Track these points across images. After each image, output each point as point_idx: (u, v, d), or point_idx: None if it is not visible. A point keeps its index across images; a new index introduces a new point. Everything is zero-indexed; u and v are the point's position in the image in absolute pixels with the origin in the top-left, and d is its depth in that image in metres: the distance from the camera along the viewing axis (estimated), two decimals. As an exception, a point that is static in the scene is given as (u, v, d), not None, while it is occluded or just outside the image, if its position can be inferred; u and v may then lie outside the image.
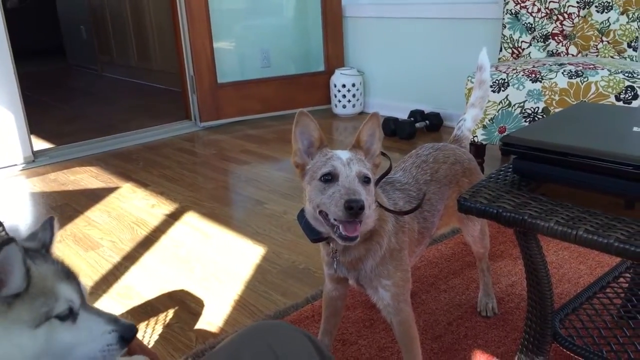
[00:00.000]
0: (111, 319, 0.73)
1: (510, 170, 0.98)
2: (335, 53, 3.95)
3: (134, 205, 2.48)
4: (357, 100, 3.81)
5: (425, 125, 3.32)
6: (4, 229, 1.09)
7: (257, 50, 3.97)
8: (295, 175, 2.80)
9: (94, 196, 2.60)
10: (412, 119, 3.32)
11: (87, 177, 2.87)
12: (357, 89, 3.80)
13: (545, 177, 0.92)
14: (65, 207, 2.50)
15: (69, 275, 0.71)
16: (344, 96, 3.78)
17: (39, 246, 0.75)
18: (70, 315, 0.69)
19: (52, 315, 0.66)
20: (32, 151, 3.11)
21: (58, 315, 0.67)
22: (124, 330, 0.73)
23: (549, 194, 0.91)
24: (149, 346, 1.49)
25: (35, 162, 3.09)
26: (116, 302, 1.72)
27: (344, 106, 3.80)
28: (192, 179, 2.84)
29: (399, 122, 3.25)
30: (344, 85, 3.76)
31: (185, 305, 1.70)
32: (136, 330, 0.72)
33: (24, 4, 7.02)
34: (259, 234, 2.15)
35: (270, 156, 3.12)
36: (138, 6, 5.29)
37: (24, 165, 3.04)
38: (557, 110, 2.07)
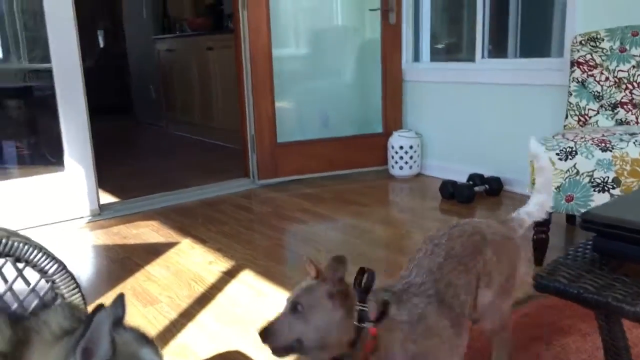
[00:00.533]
0: None
1: (589, 247, 0.94)
2: (393, 115, 3.99)
3: (192, 261, 2.51)
4: (415, 162, 3.80)
5: (484, 190, 3.26)
6: (65, 270, 1.11)
7: (317, 111, 4.06)
8: (352, 236, 2.80)
9: (154, 250, 2.65)
10: (470, 182, 3.27)
11: (149, 231, 2.94)
12: (415, 151, 3.79)
13: (627, 256, 0.87)
14: (126, 260, 2.56)
15: (148, 340, 0.73)
16: (401, 158, 3.78)
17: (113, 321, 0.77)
18: None
19: None
20: (99, 205, 3.23)
21: None
22: None
23: (632, 275, 0.86)
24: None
25: (100, 215, 3.20)
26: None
27: (401, 167, 3.79)
28: (249, 236, 2.86)
29: (458, 185, 3.20)
30: (401, 147, 3.77)
31: (239, 367, 1.68)
32: None
33: (100, 63, 7.51)
34: (314, 296, 2.12)
35: (327, 216, 3.12)
36: (204, 67, 5.55)
37: (90, 218, 3.16)
38: (628, 180, 1.99)
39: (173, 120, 6.31)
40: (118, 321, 0.77)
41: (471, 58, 3.62)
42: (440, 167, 3.74)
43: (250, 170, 3.84)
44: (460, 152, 3.65)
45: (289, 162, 3.84)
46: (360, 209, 3.18)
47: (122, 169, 4.51)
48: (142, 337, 0.73)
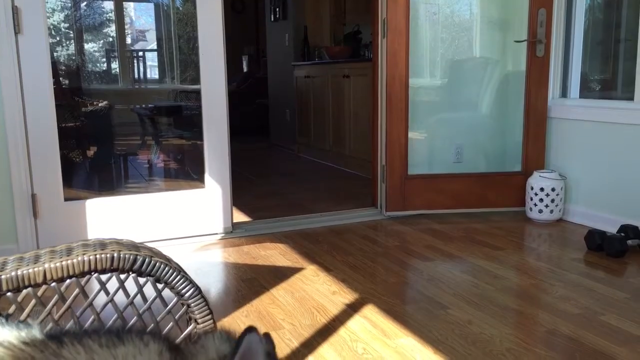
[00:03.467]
0: None
1: None
2: (535, 154, 3.74)
3: (316, 290, 2.50)
4: (557, 206, 3.51)
5: (639, 244, 2.91)
6: (201, 295, 1.12)
7: (450, 144, 3.93)
8: (482, 280, 2.63)
9: (280, 274, 2.68)
10: (622, 234, 2.94)
11: (276, 254, 2.99)
12: (557, 194, 3.51)
13: None
14: (253, 281, 2.61)
15: None
16: (541, 200, 3.52)
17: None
18: None
19: None
20: (232, 223, 3.36)
21: None
22: None
23: None
24: None
25: (232, 233, 3.32)
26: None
27: (540, 211, 3.53)
28: (374, 269, 2.80)
29: (607, 236, 2.90)
30: (542, 189, 3.51)
31: (358, 410, 1.61)
32: None
33: (242, 87, 7.96)
34: (440, 341, 2.00)
35: (456, 256, 2.97)
36: (339, 94, 5.64)
37: (222, 235, 3.29)
38: None
39: (305, 144, 6.47)
40: (270, 355, 0.74)
41: (629, 96, 3.30)
42: (586, 214, 3.42)
43: (379, 200, 3.79)
44: (611, 200, 3.32)
45: (419, 195, 3.74)
46: (492, 252, 2.99)
47: (254, 189, 4.68)
48: None
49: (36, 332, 0.62)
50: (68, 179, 3.21)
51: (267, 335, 0.73)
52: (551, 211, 3.51)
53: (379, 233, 3.45)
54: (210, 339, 0.73)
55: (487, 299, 2.38)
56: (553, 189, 3.49)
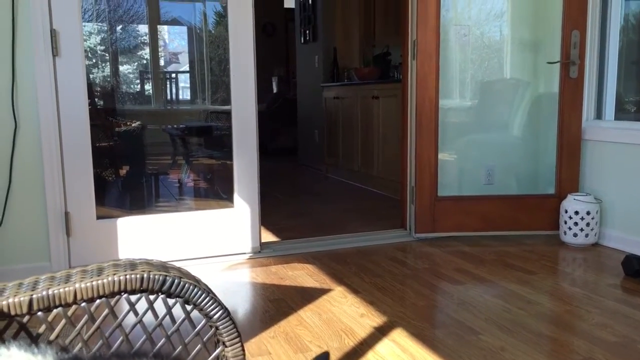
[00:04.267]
0: None
1: None
2: (569, 177, 3.66)
3: (344, 312, 2.47)
4: (592, 230, 3.42)
5: (679, 270, 2.81)
6: (229, 317, 1.11)
7: (481, 166, 3.88)
8: (514, 305, 2.56)
9: (308, 295, 2.66)
10: (662, 260, 2.84)
11: (304, 275, 2.97)
12: (593, 218, 3.42)
13: None
14: (280, 302, 2.60)
15: None
16: (576, 224, 3.43)
17: None
18: None
19: None
20: (260, 243, 3.36)
21: None
22: None
23: None
24: None
25: (260, 253, 3.32)
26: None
27: (575, 235, 3.44)
28: (402, 292, 2.76)
29: (646, 262, 2.80)
30: (576, 213, 3.42)
31: None
32: None
33: (272, 108, 8.03)
34: (471, 369, 1.95)
35: (487, 279, 2.91)
36: (368, 115, 5.64)
37: (250, 254, 3.29)
38: None
39: (334, 165, 6.47)
40: None
41: (667, 118, 3.22)
42: (623, 239, 3.32)
43: (408, 222, 3.75)
44: (649, 224, 3.21)
45: (449, 217, 3.69)
46: (524, 276, 2.92)
47: (282, 208, 4.68)
48: None
49: (47, 356, 0.61)
50: (100, 197, 3.27)
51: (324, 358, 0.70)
52: (586, 235, 3.41)
53: (408, 255, 3.40)
54: None
55: (520, 324, 2.31)
56: (588, 213, 3.41)
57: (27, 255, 2.93)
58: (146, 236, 3.15)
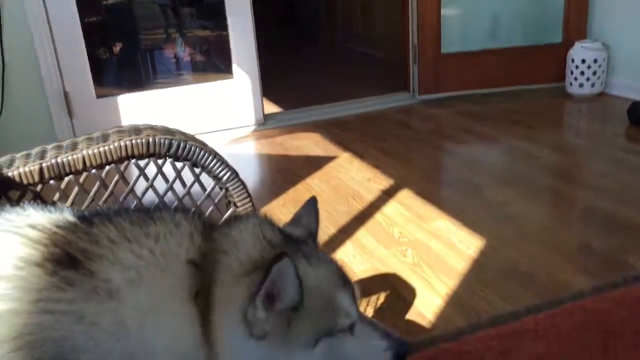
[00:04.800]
0: (385, 333, 0.69)
1: None
2: (577, 23, 3.50)
3: (351, 177, 2.51)
4: (598, 78, 3.35)
5: (685, 116, 2.79)
6: (238, 178, 1.12)
7: (486, 18, 3.72)
8: (518, 160, 2.59)
9: (315, 163, 2.69)
10: (668, 106, 2.81)
11: (309, 144, 2.99)
12: (600, 66, 3.33)
13: None
14: (288, 171, 2.64)
15: (345, 281, 0.68)
16: (582, 73, 3.35)
17: (306, 235, 0.73)
18: (348, 329, 0.66)
19: (332, 333, 0.63)
20: (263, 114, 3.34)
21: (339, 331, 0.64)
22: (399, 348, 0.68)
23: None
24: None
25: (264, 124, 3.32)
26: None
27: (581, 85, 3.38)
28: (408, 155, 2.79)
29: (652, 109, 2.78)
30: (583, 61, 3.33)
31: (397, 291, 1.67)
32: (409, 349, 0.65)
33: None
34: (475, 223, 2.01)
35: (491, 136, 2.92)
36: (366, -28, 5.32)
37: (255, 127, 3.29)
38: None
39: (334, 29, 6.24)
40: (311, 235, 0.73)
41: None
42: (630, 87, 3.26)
43: (411, 84, 3.69)
44: (658, 70, 3.14)
45: (453, 75, 3.61)
46: (529, 132, 2.92)
47: (284, 80, 4.59)
48: (338, 275, 0.68)
49: (67, 215, 0.63)
50: (97, 76, 3.19)
51: (311, 204, 0.71)
52: (592, 84, 3.35)
53: (412, 117, 3.39)
54: (243, 234, 0.70)
55: (523, 179, 2.36)
56: (595, 60, 3.32)
57: (33, 140, 2.93)
58: (148, 112, 3.13)
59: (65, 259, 0.57)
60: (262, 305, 0.62)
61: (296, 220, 0.75)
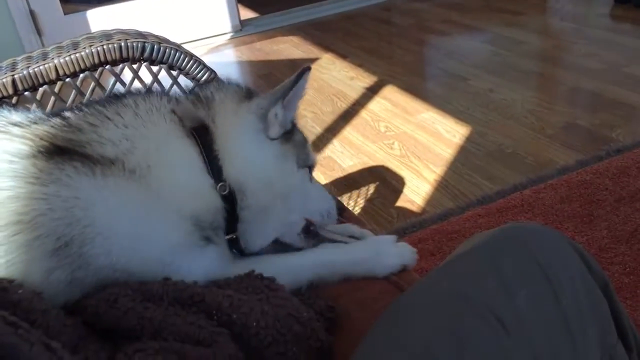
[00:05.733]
0: (329, 192, 0.77)
1: None
2: None
3: (334, 77, 2.48)
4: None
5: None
6: (218, 77, 1.11)
7: None
8: (502, 48, 2.54)
9: (296, 66, 2.61)
10: (654, -18, 2.74)
11: (289, 47, 2.92)
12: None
13: None
14: (269, 76, 2.59)
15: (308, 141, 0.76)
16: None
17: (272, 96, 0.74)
18: (310, 174, 0.74)
19: (307, 165, 0.72)
20: (240, 20, 3.23)
21: (309, 167, 0.72)
22: (340, 205, 0.79)
23: None
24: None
25: (242, 31, 3.21)
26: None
27: (565, -32, 3.26)
28: (390, 51, 2.73)
29: (637, -14, 2.71)
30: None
31: (385, 181, 1.69)
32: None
33: None
34: (461, 112, 2.02)
35: (474, 26, 2.86)
36: None
37: (232, 34, 3.19)
38: None
39: None
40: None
41: None
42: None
43: (390, -22, 3.55)
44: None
45: (433, -33, 3.47)
46: (513, 18, 2.85)
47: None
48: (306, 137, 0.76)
49: (40, 114, 0.63)
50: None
51: (304, 74, 0.74)
52: (577, -34, 3.25)
53: (393, 13, 3.29)
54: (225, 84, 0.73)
55: (508, 65, 2.33)
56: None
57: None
58: (119, 26, 3.00)
59: (55, 150, 0.57)
60: (282, 107, 0.69)
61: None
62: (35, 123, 0.61)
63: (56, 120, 0.62)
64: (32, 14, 2.83)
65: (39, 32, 2.87)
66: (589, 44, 2.42)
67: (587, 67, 2.20)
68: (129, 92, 0.68)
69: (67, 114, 0.63)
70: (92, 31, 2.93)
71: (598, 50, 2.33)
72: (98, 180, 0.56)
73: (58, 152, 0.57)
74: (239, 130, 0.67)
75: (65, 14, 2.91)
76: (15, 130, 0.60)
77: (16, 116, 0.63)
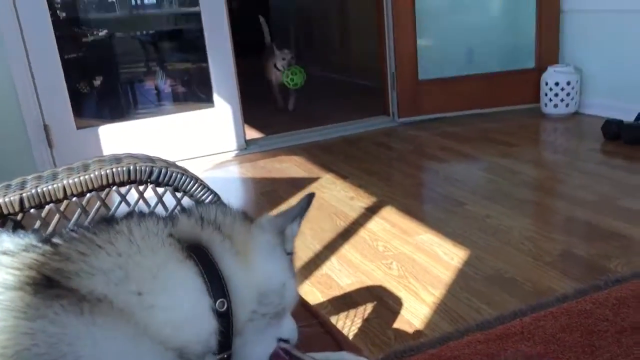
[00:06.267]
0: None
1: None
2: (548, 49, 3.62)
3: (334, 196, 2.53)
4: (572, 99, 3.45)
5: (656, 130, 2.88)
6: (220, 201, 1.14)
7: (461, 46, 3.83)
8: (498, 176, 2.63)
9: (298, 184, 2.71)
10: (639, 121, 2.90)
11: (292, 166, 3.01)
12: (573, 88, 3.43)
13: None
14: (272, 193, 2.65)
15: None
16: (557, 95, 3.45)
17: (280, 221, 0.75)
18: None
19: (288, 252, 0.73)
20: (245, 139, 3.36)
21: (289, 254, 0.73)
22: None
23: None
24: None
25: (247, 149, 3.33)
26: (317, 289, 1.75)
27: (556, 105, 3.47)
28: (389, 174, 2.82)
29: (624, 124, 2.86)
30: (557, 84, 3.43)
31: (383, 301, 1.66)
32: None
33: (243, 4, 7.71)
34: (459, 235, 2.03)
35: (471, 155, 2.97)
36: (343, 5, 5.45)
37: (237, 152, 3.31)
38: None
39: (312, 58, 6.34)
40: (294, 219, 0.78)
41: (647, -21, 3.14)
42: (603, 105, 3.35)
43: (390, 108, 3.75)
44: (628, 89, 3.24)
45: (431, 99, 3.69)
46: (508, 149, 2.98)
47: (265, 105, 4.64)
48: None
49: (31, 240, 0.62)
50: (78, 109, 3.21)
51: (309, 200, 0.78)
52: (567, 105, 3.45)
53: (393, 139, 3.44)
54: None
55: (504, 193, 2.39)
56: (568, 83, 3.42)
57: (13, 172, 2.91)
58: (129, 142, 3.13)
59: (43, 281, 0.56)
60: (298, 225, 0.74)
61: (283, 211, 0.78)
62: (25, 250, 0.60)
63: (46, 248, 0.61)
64: (45, 128, 2.95)
65: (50, 144, 2.98)
66: (582, 176, 2.50)
67: (581, 198, 2.26)
68: (123, 217, 0.66)
69: (58, 240, 0.62)
70: (102, 145, 3.06)
71: (591, 182, 2.41)
72: (86, 318, 0.55)
73: (46, 284, 0.57)
74: (259, 246, 0.69)
75: (77, 128, 3.04)
76: (4, 259, 0.59)
77: (8, 242, 0.62)
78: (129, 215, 0.67)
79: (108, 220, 0.65)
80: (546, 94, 3.50)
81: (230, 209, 0.74)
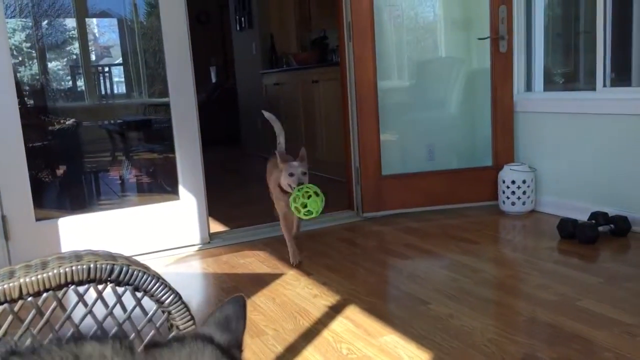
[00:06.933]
0: None
1: None
2: (504, 148, 3.80)
3: (297, 294, 2.50)
4: (528, 197, 3.58)
5: (610, 230, 2.99)
6: (181, 301, 1.11)
7: (422, 143, 3.98)
8: (460, 274, 2.65)
9: (261, 281, 2.67)
10: (593, 221, 3.01)
11: (255, 262, 2.98)
12: (528, 186, 3.57)
13: None
14: (234, 289, 2.60)
15: None
16: (513, 193, 3.58)
17: (233, 341, 0.72)
18: None
19: None
20: (209, 233, 3.34)
21: None
22: None
23: None
24: None
25: (210, 243, 3.30)
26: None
27: (513, 203, 3.59)
28: (354, 271, 2.81)
29: (579, 224, 2.96)
30: (513, 182, 3.57)
31: (346, 410, 1.61)
32: None
33: (212, 98, 7.92)
34: (423, 337, 2.02)
35: (433, 252, 3.01)
36: (309, 100, 5.66)
37: (200, 246, 3.27)
38: None
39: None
40: (237, 343, 0.74)
41: (591, 87, 3.39)
42: (557, 204, 3.49)
43: (355, 202, 3.81)
44: (581, 188, 3.39)
45: (394, 195, 3.77)
46: (469, 246, 3.03)
47: (229, 198, 4.65)
48: None
49: None
50: (38, 199, 3.15)
51: (242, 308, 0.75)
52: (523, 203, 3.57)
53: (357, 234, 3.47)
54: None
55: (466, 292, 2.41)
56: (524, 181, 3.56)
57: (-36, 265, 2.80)
58: (90, 235, 3.06)
59: None
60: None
61: (225, 321, 0.74)
62: None
63: None
64: (3, 219, 2.88)
65: (6, 237, 2.89)
66: (541, 275, 2.55)
67: (542, 298, 2.29)
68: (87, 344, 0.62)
69: (15, 358, 0.59)
70: (61, 238, 2.98)
71: (551, 282, 2.45)
72: None
73: None
74: None
75: (37, 219, 2.97)
76: None
77: None
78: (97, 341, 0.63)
79: (75, 340, 0.62)
80: (503, 192, 3.63)
81: (203, 350, 0.65)
